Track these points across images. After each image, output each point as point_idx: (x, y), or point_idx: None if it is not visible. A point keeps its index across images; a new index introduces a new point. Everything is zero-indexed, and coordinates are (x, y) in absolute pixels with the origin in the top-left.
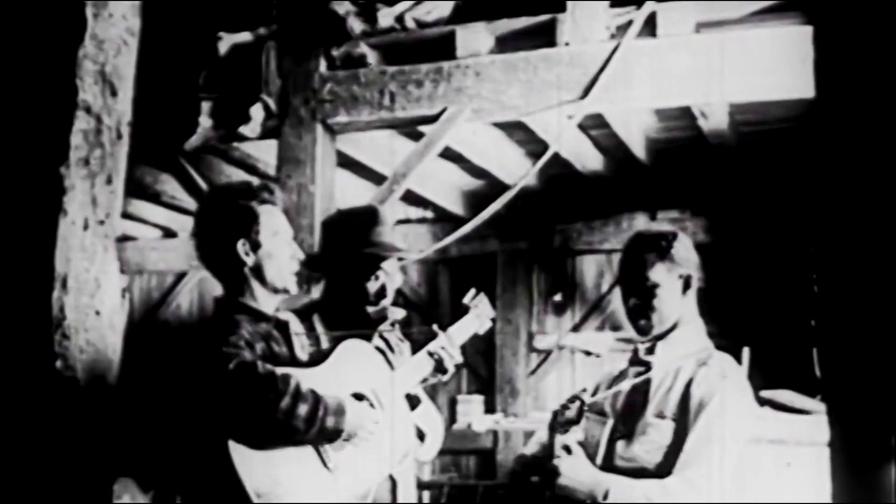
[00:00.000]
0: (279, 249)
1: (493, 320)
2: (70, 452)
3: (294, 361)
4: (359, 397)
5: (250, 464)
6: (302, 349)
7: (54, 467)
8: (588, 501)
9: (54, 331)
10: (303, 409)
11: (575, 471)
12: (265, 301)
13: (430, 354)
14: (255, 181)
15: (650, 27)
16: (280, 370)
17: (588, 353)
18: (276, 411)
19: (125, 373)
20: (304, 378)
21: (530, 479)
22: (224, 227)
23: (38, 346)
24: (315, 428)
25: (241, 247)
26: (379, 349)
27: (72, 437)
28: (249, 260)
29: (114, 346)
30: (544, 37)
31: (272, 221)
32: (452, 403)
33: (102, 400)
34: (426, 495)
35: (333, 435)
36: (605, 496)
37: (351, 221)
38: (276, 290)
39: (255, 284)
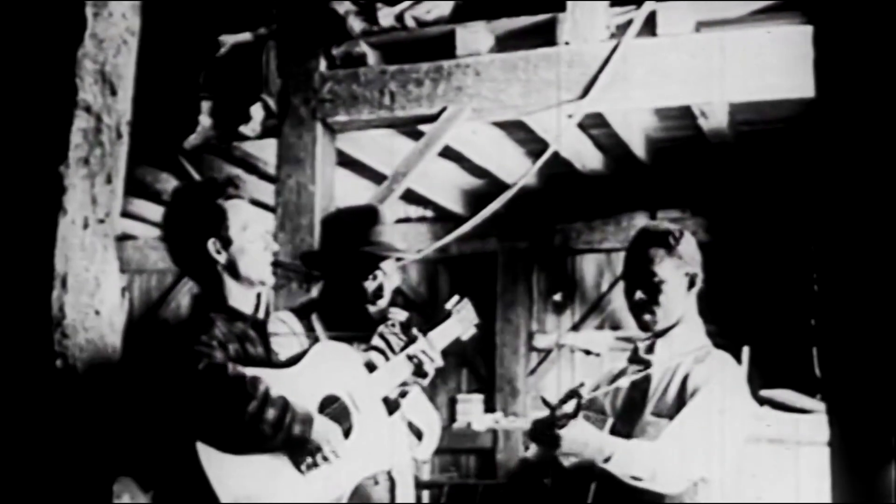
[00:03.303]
0: (251, 243)
1: (478, 326)
2: (70, 452)
3: (269, 362)
4: (333, 399)
5: (220, 465)
6: (301, 349)
7: (54, 467)
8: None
9: (54, 330)
10: (270, 414)
11: (578, 435)
12: (241, 298)
13: (410, 358)
14: (220, 177)
15: (650, 26)
16: (251, 373)
17: (588, 352)
18: (244, 414)
19: (125, 372)
20: (277, 379)
21: (532, 478)
22: (193, 227)
23: (37, 345)
24: (282, 434)
25: (212, 245)
26: (378, 349)
27: (71, 437)
28: (221, 258)
29: (113, 346)
30: (544, 36)
31: (240, 216)
32: (452, 402)
33: (102, 399)
34: (426, 495)
35: (299, 443)
36: (608, 460)
37: (350, 220)
38: (251, 284)
39: (230, 281)
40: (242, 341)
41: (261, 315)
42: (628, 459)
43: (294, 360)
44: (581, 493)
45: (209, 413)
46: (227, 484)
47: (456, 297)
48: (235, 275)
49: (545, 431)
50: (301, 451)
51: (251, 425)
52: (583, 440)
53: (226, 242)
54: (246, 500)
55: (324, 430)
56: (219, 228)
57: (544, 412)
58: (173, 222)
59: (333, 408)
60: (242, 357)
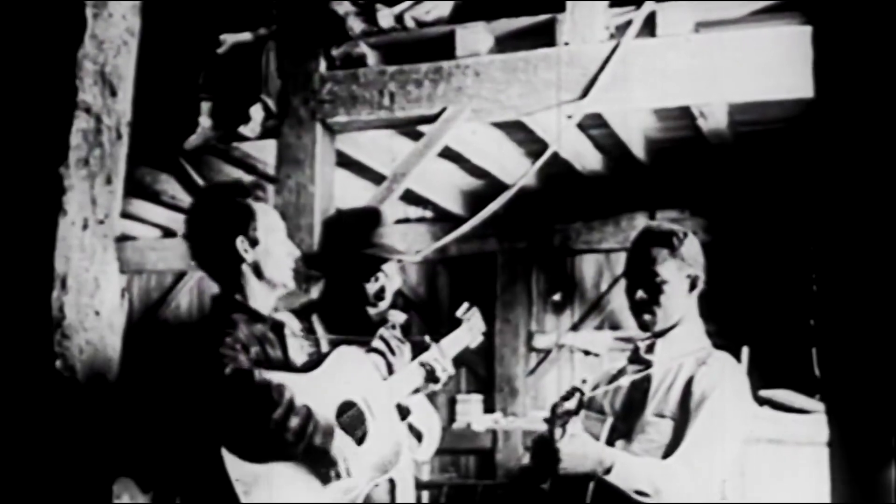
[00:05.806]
0: (276, 246)
1: (485, 335)
2: (70, 452)
3: (287, 365)
4: (349, 405)
5: (240, 464)
6: (301, 350)
7: (54, 467)
8: (593, 476)
9: (54, 330)
10: (294, 422)
11: (577, 449)
12: (262, 298)
13: (422, 365)
14: (247, 179)
15: (649, 27)
16: (275, 380)
17: (587, 353)
18: (269, 421)
19: (124, 372)
20: (297, 383)
21: (534, 484)
22: (222, 224)
23: (37, 345)
24: (303, 443)
25: (241, 244)
26: (379, 351)
27: (71, 437)
28: (248, 256)
29: (113, 346)
30: (544, 37)
31: (268, 218)
32: (452, 403)
33: (102, 400)
34: (425, 495)
35: (319, 454)
36: (608, 471)
37: (352, 222)
38: (274, 286)
39: (253, 281)
40: (262, 343)
41: (277, 317)
42: (629, 472)
43: (313, 365)
44: (579, 492)
45: (235, 418)
46: (247, 482)
47: (465, 305)
48: (259, 275)
49: (544, 448)
50: (320, 462)
51: (275, 432)
52: (582, 453)
53: (253, 242)
54: (264, 500)
55: (341, 445)
56: (247, 227)
57: (544, 412)
58: (201, 218)
59: (350, 413)
60: (262, 359)
